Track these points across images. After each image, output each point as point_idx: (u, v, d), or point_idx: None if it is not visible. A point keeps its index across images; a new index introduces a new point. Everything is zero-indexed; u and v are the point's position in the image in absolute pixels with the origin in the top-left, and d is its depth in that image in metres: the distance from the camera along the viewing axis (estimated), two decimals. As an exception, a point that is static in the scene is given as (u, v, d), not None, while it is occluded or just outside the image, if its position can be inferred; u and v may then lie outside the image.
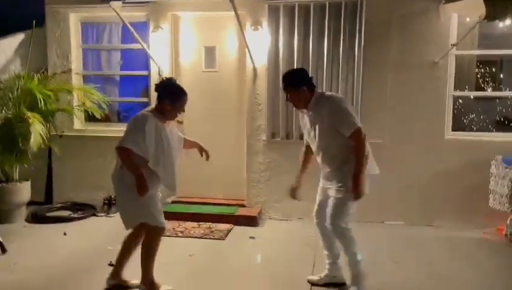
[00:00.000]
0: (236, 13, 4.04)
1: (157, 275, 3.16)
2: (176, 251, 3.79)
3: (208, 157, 3.39)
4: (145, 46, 5.04)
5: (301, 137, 3.44)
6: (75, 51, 5.53)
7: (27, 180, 5.02)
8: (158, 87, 3.13)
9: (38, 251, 4.08)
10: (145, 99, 5.45)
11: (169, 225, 4.07)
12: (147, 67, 5.39)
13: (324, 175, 3.20)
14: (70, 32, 5.46)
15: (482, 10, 3.78)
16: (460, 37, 4.62)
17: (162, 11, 5.21)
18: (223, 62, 5.31)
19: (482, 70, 6.86)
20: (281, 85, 4.66)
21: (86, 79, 5.64)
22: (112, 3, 4.38)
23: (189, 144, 3.40)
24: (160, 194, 3.23)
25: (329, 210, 3.08)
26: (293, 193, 3.35)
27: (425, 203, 4.88)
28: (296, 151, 3.42)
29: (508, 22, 4.17)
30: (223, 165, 5.10)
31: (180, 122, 4.89)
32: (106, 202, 5.29)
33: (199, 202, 5.27)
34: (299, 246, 4.15)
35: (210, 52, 5.32)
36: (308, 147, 3.32)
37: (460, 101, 5.65)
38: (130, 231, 3.22)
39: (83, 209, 5.24)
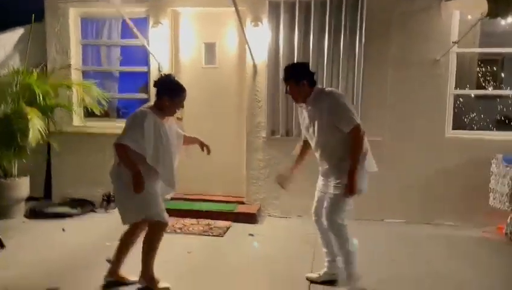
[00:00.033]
0: (236, 9, 4.02)
1: (156, 272, 3.15)
2: (174, 248, 3.78)
3: (209, 151, 3.39)
4: (144, 42, 5.02)
5: (301, 134, 3.42)
6: (74, 46, 5.50)
7: (26, 175, 5.01)
8: (157, 84, 3.15)
9: (37, 246, 4.07)
10: (144, 96, 5.43)
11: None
12: (146, 63, 5.37)
13: (322, 172, 3.19)
14: (69, 28, 5.43)
15: (484, 7, 3.76)
16: (462, 35, 4.60)
17: (162, 7, 5.18)
18: (223, 58, 5.29)
19: (483, 69, 6.85)
20: (281, 80, 4.70)
21: (85, 75, 5.62)
22: (111, -2, 4.36)
23: (189, 140, 3.41)
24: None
25: (326, 206, 3.07)
26: (281, 180, 3.31)
27: (425, 201, 4.87)
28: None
29: (510, 19, 4.15)
30: (222, 162, 5.09)
31: (180, 119, 4.87)
32: (105, 198, 5.28)
33: (198, 199, 5.25)
34: (298, 243, 4.14)
35: (210, 48, 5.30)
36: (305, 142, 3.30)
37: (461, 99, 5.64)
38: (126, 227, 3.21)
39: (82, 205, 5.22)
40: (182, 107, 3.21)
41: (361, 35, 4.70)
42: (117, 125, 4.85)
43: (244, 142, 5.21)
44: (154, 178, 3.06)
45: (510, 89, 6.23)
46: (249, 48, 4.82)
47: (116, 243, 3.23)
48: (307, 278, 3.32)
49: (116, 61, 5.62)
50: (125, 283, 3.23)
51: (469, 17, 4.55)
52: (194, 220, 4.81)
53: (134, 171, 2.91)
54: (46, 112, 4.90)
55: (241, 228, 4.65)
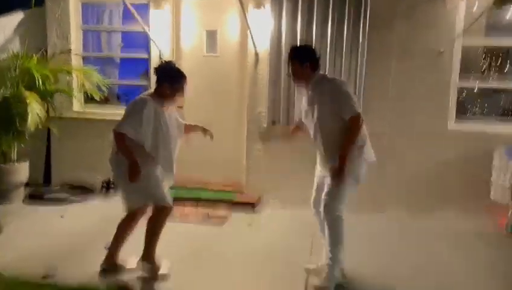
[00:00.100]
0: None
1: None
2: (172, 236, 3.74)
3: (211, 137, 3.41)
4: (145, 28, 4.97)
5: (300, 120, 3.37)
6: (74, 31, 5.45)
7: (25, 160, 4.99)
8: (157, 71, 3.14)
9: (35, 231, 4.07)
10: (145, 83, 5.40)
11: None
12: (147, 50, 5.32)
13: (321, 161, 3.16)
14: (70, 13, 5.38)
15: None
16: (467, 26, 4.53)
17: (164, -8, 5.12)
18: (224, 46, 5.23)
19: (488, 61, 6.76)
20: (283, 70, 4.66)
21: (85, 60, 5.57)
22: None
23: (190, 128, 3.40)
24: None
25: (324, 196, 3.05)
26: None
27: (426, 193, 4.83)
28: (296, 139, 3.37)
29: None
30: (222, 151, 5.07)
31: (180, 107, 4.84)
32: (104, 184, 5.28)
33: (198, 187, 5.24)
34: (297, 233, 4.12)
35: (211, 36, 5.24)
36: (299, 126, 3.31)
37: (464, 92, 5.57)
38: (124, 214, 3.21)
39: (81, 191, 5.22)
40: (183, 95, 3.19)
41: (365, 26, 4.63)
42: (117, 112, 4.82)
43: (245, 132, 5.17)
44: (154, 164, 3.07)
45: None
46: (251, 36, 4.77)
47: (114, 230, 3.22)
48: (306, 270, 3.30)
49: (116, 47, 5.58)
50: (122, 269, 3.23)
51: (475, 8, 4.48)
52: (192, 209, 4.80)
53: (130, 160, 2.92)
54: (46, 96, 4.87)
55: (240, 217, 4.64)
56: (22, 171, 4.95)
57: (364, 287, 3.12)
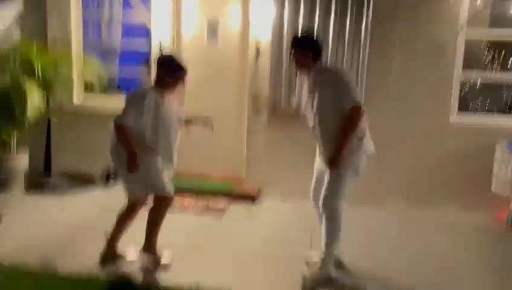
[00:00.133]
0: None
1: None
2: (171, 226, 3.74)
3: (212, 128, 3.41)
4: (146, 16, 4.93)
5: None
6: (75, 21, 5.39)
7: (25, 149, 4.98)
8: (158, 62, 3.16)
9: (35, 220, 4.07)
10: (145, 73, 5.36)
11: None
12: (148, 40, 5.27)
13: (320, 153, 3.13)
14: (70, 1, 5.32)
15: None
16: (471, 17, 4.48)
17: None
18: (225, 36, 5.18)
19: (492, 54, 6.72)
20: (284, 61, 4.62)
21: (85, 50, 5.52)
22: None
23: (190, 121, 3.39)
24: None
25: (323, 190, 3.02)
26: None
27: (427, 187, 4.82)
28: (297, 131, 3.35)
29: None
30: (223, 142, 5.05)
31: (180, 98, 4.83)
32: (104, 174, 5.26)
33: (197, 179, 5.22)
34: (297, 226, 4.12)
35: (213, 26, 5.19)
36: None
37: (467, 85, 5.55)
38: (125, 204, 3.21)
39: (81, 181, 5.21)
40: (183, 86, 3.19)
41: (367, 19, 4.59)
42: (117, 102, 4.79)
43: (245, 123, 5.15)
44: (155, 155, 3.07)
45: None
46: (252, 27, 4.73)
47: (114, 218, 3.22)
48: (305, 260, 3.29)
49: (117, 37, 5.53)
50: (122, 259, 3.23)
51: (479, 0, 4.43)
52: (192, 199, 4.79)
53: (129, 151, 2.94)
54: (45, 86, 4.83)
55: (240, 208, 4.64)
56: (21, 160, 4.94)
57: (363, 280, 3.11)
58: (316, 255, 3.12)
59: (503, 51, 6.61)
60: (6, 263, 3.08)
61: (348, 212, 3.08)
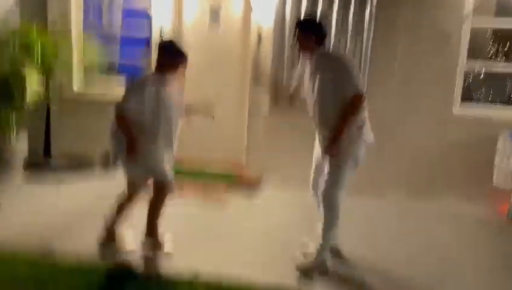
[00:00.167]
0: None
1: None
2: (171, 214, 3.73)
3: (212, 117, 3.40)
4: (147, 3, 4.86)
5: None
6: (75, 6, 5.31)
7: (25, 134, 4.94)
8: (159, 48, 3.13)
9: (33, 204, 4.07)
10: (146, 60, 5.30)
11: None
12: (149, 25, 5.19)
13: (319, 141, 3.09)
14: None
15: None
16: (477, 5, 4.41)
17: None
18: (227, 22, 5.11)
19: (497, 43, 6.62)
20: (287, 48, 4.55)
21: (86, 36, 5.44)
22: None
23: (191, 110, 3.36)
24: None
25: (323, 180, 3.00)
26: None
27: (428, 178, 4.79)
28: (298, 118, 3.31)
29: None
30: (223, 129, 5.02)
31: (181, 85, 4.78)
32: (104, 160, 5.24)
33: (197, 166, 5.20)
34: (296, 213, 4.11)
35: (215, 11, 5.11)
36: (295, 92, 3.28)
37: (470, 76, 5.48)
38: (124, 190, 3.19)
39: (81, 165, 5.20)
40: (184, 72, 3.14)
41: (372, 5, 4.53)
42: (117, 89, 4.77)
43: (246, 110, 5.11)
44: (155, 141, 3.05)
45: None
46: (254, 13, 4.66)
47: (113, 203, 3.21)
48: (302, 247, 3.27)
49: (117, 21, 5.45)
50: (120, 246, 3.23)
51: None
52: (192, 187, 4.78)
53: (129, 138, 2.93)
54: (45, 70, 4.78)
55: (240, 195, 4.63)
56: (21, 144, 4.91)
57: (361, 270, 3.10)
58: (312, 243, 3.11)
59: (508, 43, 6.52)
60: (3, 249, 3.08)
61: (348, 202, 3.06)
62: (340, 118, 2.82)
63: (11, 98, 4.52)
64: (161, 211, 3.21)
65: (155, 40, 4.97)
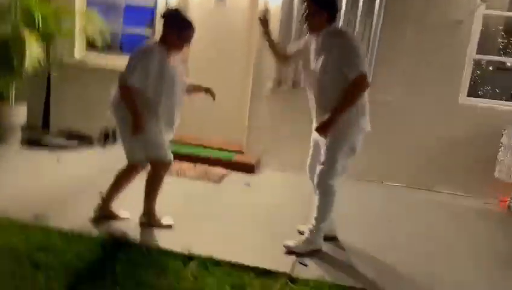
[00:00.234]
0: None
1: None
2: (168, 191, 3.69)
3: (214, 97, 3.30)
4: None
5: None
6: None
7: (23, 103, 4.88)
8: (165, 16, 2.97)
9: (29, 174, 4.01)
10: (149, 32, 5.21)
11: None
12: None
13: (316, 123, 2.98)
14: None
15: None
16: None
17: None
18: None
19: (506, 40, 6.54)
20: (294, 29, 4.44)
21: (89, 4, 5.33)
22: None
23: (194, 89, 3.28)
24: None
25: (318, 163, 2.92)
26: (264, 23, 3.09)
27: (429, 167, 4.74)
28: (301, 102, 3.22)
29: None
30: (225, 109, 4.93)
31: (184, 61, 4.70)
32: (103, 134, 5.18)
33: (197, 144, 5.15)
34: (293, 197, 4.06)
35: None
36: (289, 56, 3.17)
37: (477, 72, 5.40)
38: (125, 165, 3.13)
39: (79, 139, 5.14)
40: (189, 44, 3.03)
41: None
42: (119, 60, 4.66)
43: (249, 91, 5.03)
44: (157, 117, 2.95)
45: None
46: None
47: (110, 179, 3.15)
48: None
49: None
50: (115, 218, 3.18)
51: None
52: (190, 165, 4.73)
53: (136, 114, 2.83)
54: (46, 38, 4.69)
55: (238, 177, 4.58)
56: (19, 113, 4.85)
57: (357, 257, 3.07)
58: (307, 227, 3.06)
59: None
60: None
61: (347, 188, 3.00)
62: (340, 98, 2.73)
63: (10, 64, 4.44)
64: (158, 189, 3.15)
65: (160, 11, 4.86)
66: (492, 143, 4.45)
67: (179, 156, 4.77)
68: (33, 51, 4.28)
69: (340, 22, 4.50)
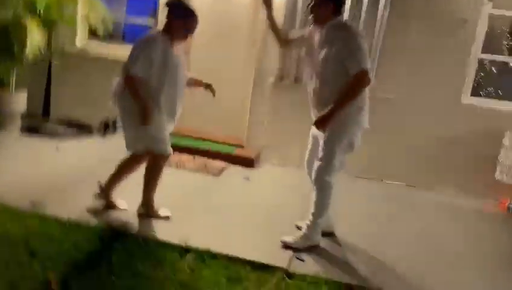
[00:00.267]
0: None
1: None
2: (167, 183, 3.67)
3: (214, 94, 3.28)
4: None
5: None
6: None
7: (24, 90, 4.85)
8: (168, 5, 2.95)
9: (28, 161, 3.99)
10: (152, 22, 5.17)
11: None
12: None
13: (315, 118, 2.97)
14: None
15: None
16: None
17: None
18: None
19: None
20: (299, 22, 4.38)
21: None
22: None
23: (194, 82, 3.26)
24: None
25: (316, 159, 2.91)
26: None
27: (429, 166, 4.71)
28: (303, 97, 3.20)
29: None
30: (226, 102, 4.90)
31: (187, 53, 4.66)
32: (103, 124, 5.15)
33: (197, 136, 5.12)
34: (292, 192, 4.04)
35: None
36: (292, 40, 3.13)
37: (481, 73, 5.36)
38: (129, 153, 3.11)
39: (79, 128, 5.11)
40: (192, 33, 3.01)
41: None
42: (121, 50, 4.63)
43: (251, 85, 5.00)
44: (159, 107, 2.93)
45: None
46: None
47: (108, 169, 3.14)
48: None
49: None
50: (113, 207, 3.17)
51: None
52: (190, 157, 4.71)
53: (143, 105, 2.83)
54: (48, 25, 4.64)
55: (237, 171, 4.56)
56: (19, 100, 4.83)
57: (354, 253, 3.05)
58: (304, 223, 3.05)
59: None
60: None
61: (346, 185, 2.98)
62: (341, 93, 2.70)
63: (11, 49, 4.41)
64: (157, 180, 3.13)
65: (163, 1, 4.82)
66: (494, 144, 4.42)
67: (179, 148, 4.75)
68: (34, 37, 4.25)
69: (345, 17, 4.46)
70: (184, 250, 2.70)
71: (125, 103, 2.91)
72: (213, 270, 2.54)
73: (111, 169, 3.15)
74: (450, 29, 4.48)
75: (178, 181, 3.94)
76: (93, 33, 5.16)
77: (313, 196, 2.96)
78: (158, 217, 3.13)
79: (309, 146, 3.13)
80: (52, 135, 4.87)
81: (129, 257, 2.56)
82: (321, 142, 2.88)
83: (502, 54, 6.01)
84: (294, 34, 3.24)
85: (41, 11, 4.48)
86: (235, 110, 5.15)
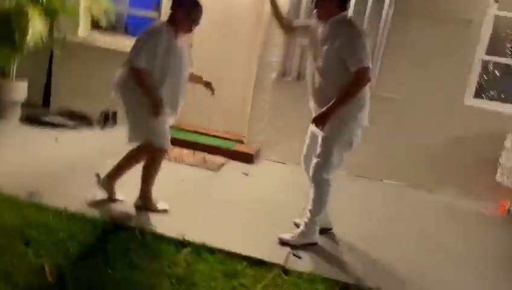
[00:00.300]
0: None
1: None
2: (166, 176, 3.66)
3: (213, 92, 3.27)
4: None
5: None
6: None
7: (24, 79, 4.82)
8: None
9: (26, 151, 3.97)
10: (155, 14, 5.14)
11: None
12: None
13: (314, 114, 2.93)
14: None
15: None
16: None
17: None
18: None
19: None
20: (303, 13, 4.30)
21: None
22: None
23: (194, 79, 3.23)
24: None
25: (314, 156, 2.88)
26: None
27: (429, 167, 4.68)
28: (304, 94, 3.17)
29: None
30: (227, 97, 4.88)
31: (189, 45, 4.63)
32: (103, 116, 5.13)
33: (197, 131, 5.10)
34: (291, 189, 4.01)
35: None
36: (296, 28, 3.10)
37: (484, 77, 5.33)
38: (134, 145, 3.09)
39: (79, 119, 5.08)
40: (197, 24, 2.98)
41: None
42: (123, 42, 4.62)
43: (253, 80, 4.97)
44: (161, 98, 2.91)
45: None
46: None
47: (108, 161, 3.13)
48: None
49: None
50: (112, 196, 3.15)
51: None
52: (189, 152, 4.69)
53: (152, 96, 2.83)
54: (50, 14, 4.61)
55: (237, 166, 4.54)
56: (20, 90, 4.80)
57: (351, 251, 3.04)
58: (302, 219, 3.03)
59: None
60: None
61: (345, 184, 2.96)
62: (341, 90, 2.68)
63: (12, 37, 4.37)
64: (156, 173, 3.11)
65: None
66: (496, 146, 4.39)
67: (179, 143, 4.75)
68: (36, 26, 4.22)
69: (350, 12, 4.43)
70: (181, 244, 2.69)
71: (128, 94, 2.90)
72: (209, 264, 2.52)
73: (110, 161, 3.13)
74: (455, 29, 4.45)
75: (177, 175, 3.92)
76: (95, 24, 5.13)
77: (310, 193, 2.94)
78: (156, 210, 3.12)
79: (307, 141, 3.11)
80: (52, 125, 4.84)
81: (125, 249, 2.55)
82: (319, 139, 2.86)
83: (505, 56, 5.97)
84: (300, 22, 3.19)
85: (44, 0, 4.44)
86: (236, 105, 5.13)
